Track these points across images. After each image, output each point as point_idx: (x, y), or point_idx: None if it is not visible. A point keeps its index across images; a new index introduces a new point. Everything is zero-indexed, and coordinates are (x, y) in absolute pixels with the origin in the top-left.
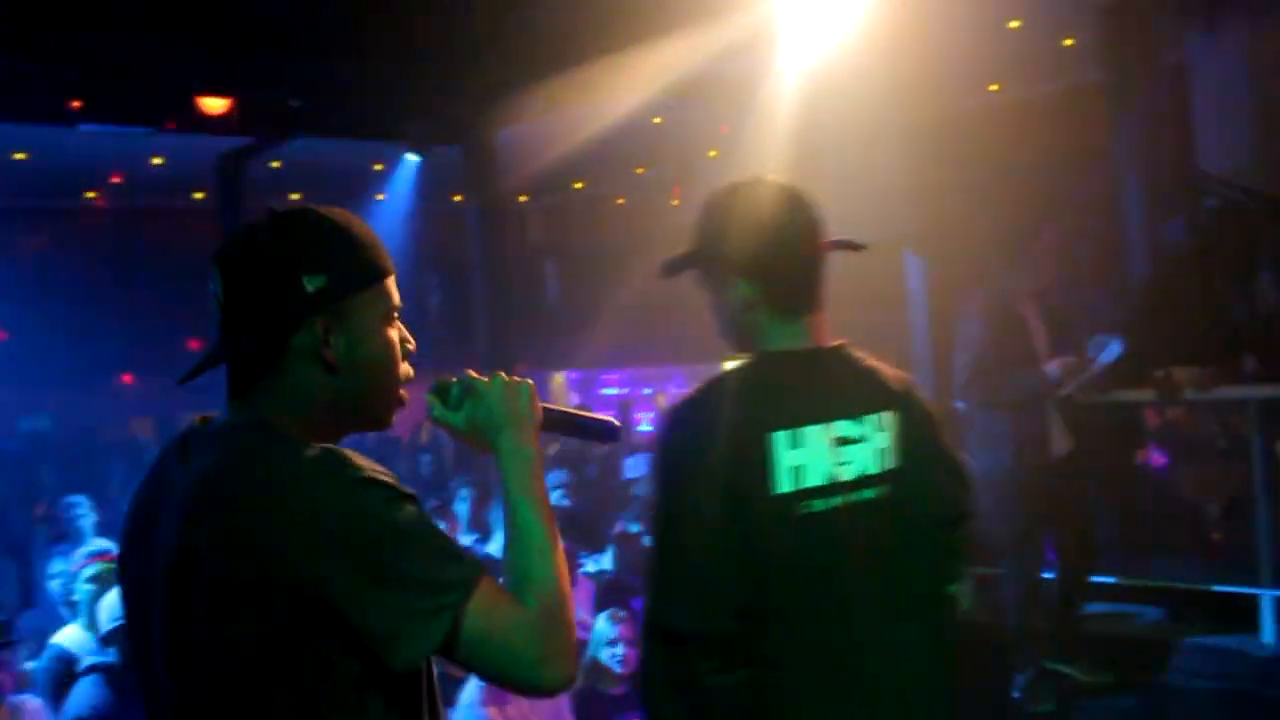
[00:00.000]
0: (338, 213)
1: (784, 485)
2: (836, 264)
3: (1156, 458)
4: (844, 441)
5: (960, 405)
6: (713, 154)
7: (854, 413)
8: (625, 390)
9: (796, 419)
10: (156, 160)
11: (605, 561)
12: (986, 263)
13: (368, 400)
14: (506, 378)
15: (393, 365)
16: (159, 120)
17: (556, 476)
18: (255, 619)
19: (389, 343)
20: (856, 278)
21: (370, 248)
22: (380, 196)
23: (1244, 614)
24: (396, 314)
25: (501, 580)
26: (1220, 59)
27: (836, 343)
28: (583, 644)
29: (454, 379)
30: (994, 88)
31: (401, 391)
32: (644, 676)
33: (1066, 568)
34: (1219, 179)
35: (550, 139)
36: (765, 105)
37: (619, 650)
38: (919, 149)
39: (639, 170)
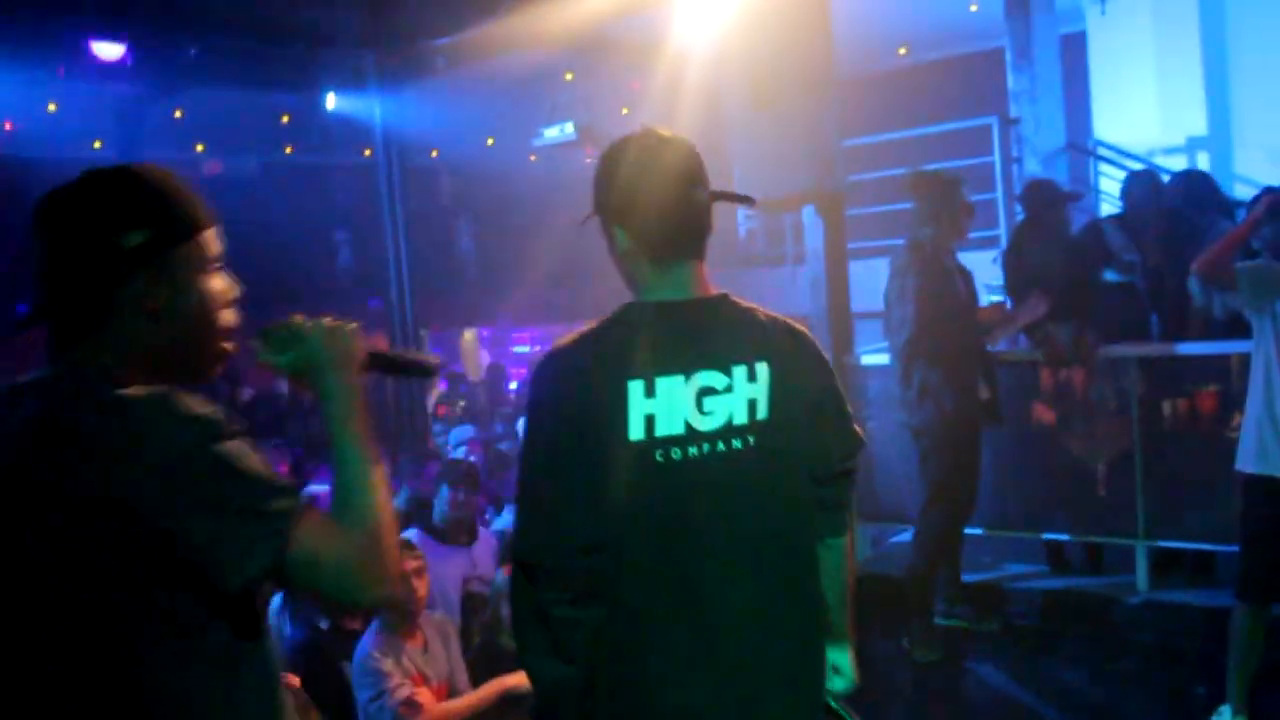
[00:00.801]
0: (153, 169)
1: (637, 433)
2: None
3: (1046, 414)
4: (708, 391)
5: (858, 359)
6: (625, 111)
7: (721, 363)
8: (537, 348)
9: (653, 368)
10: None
11: (508, 518)
12: (887, 221)
13: (191, 350)
14: (329, 321)
15: (214, 315)
16: (51, 66)
17: (462, 432)
18: (92, 556)
19: (210, 293)
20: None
21: (187, 202)
22: (289, 150)
23: (1123, 565)
24: (218, 264)
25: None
26: (1115, 30)
27: (715, 293)
28: (484, 597)
29: (280, 323)
30: (902, 51)
31: (225, 342)
32: (511, 606)
33: (960, 519)
34: (1111, 145)
35: (461, 93)
36: (674, 62)
37: None
38: (826, 108)
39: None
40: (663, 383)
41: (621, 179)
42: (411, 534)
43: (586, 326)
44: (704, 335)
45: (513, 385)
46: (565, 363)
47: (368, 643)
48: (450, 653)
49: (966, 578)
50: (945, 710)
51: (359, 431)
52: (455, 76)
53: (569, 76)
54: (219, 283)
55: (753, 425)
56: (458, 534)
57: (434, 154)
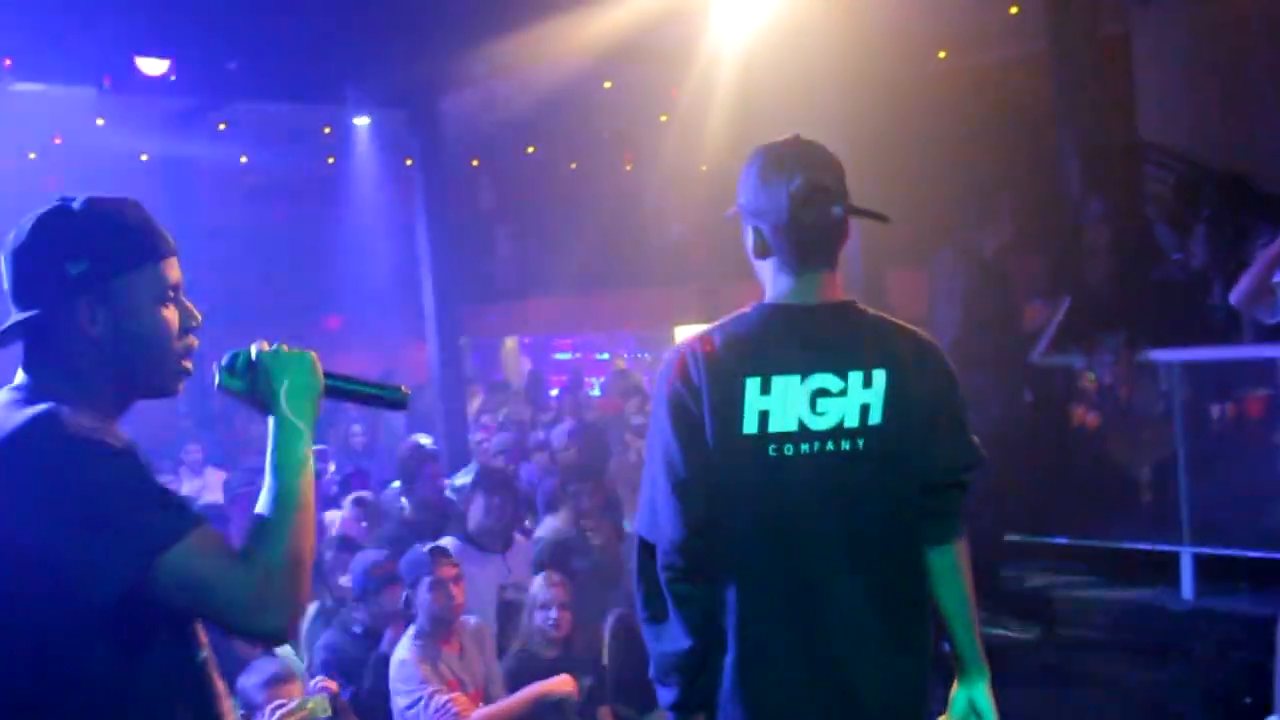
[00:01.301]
0: (107, 201)
1: (751, 426)
2: None
3: (1092, 419)
4: (822, 393)
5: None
6: (664, 118)
7: (838, 367)
8: (578, 355)
9: (770, 367)
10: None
11: (551, 524)
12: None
13: (142, 371)
14: (288, 349)
15: (164, 339)
16: (96, 80)
17: (502, 440)
18: None
19: (160, 319)
20: None
21: (137, 233)
22: (330, 160)
23: (1167, 571)
24: (173, 292)
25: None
26: (1159, 31)
27: (842, 299)
28: (519, 604)
29: (242, 350)
30: (942, 55)
31: (185, 362)
32: (636, 579)
33: (1000, 525)
34: (1159, 147)
35: (501, 102)
36: (712, 70)
37: (552, 614)
38: (866, 114)
39: (593, 134)
40: (779, 381)
41: (762, 182)
42: (448, 541)
43: (714, 324)
44: (823, 339)
45: (553, 392)
46: (686, 358)
47: (405, 648)
48: (486, 659)
49: (1009, 586)
50: None
51: (295, 463)
52: (494, 85)
53: (608, 85)
54: (170, 311)
55: (864, 429)
56: (493, 542)
57: (474, 163)
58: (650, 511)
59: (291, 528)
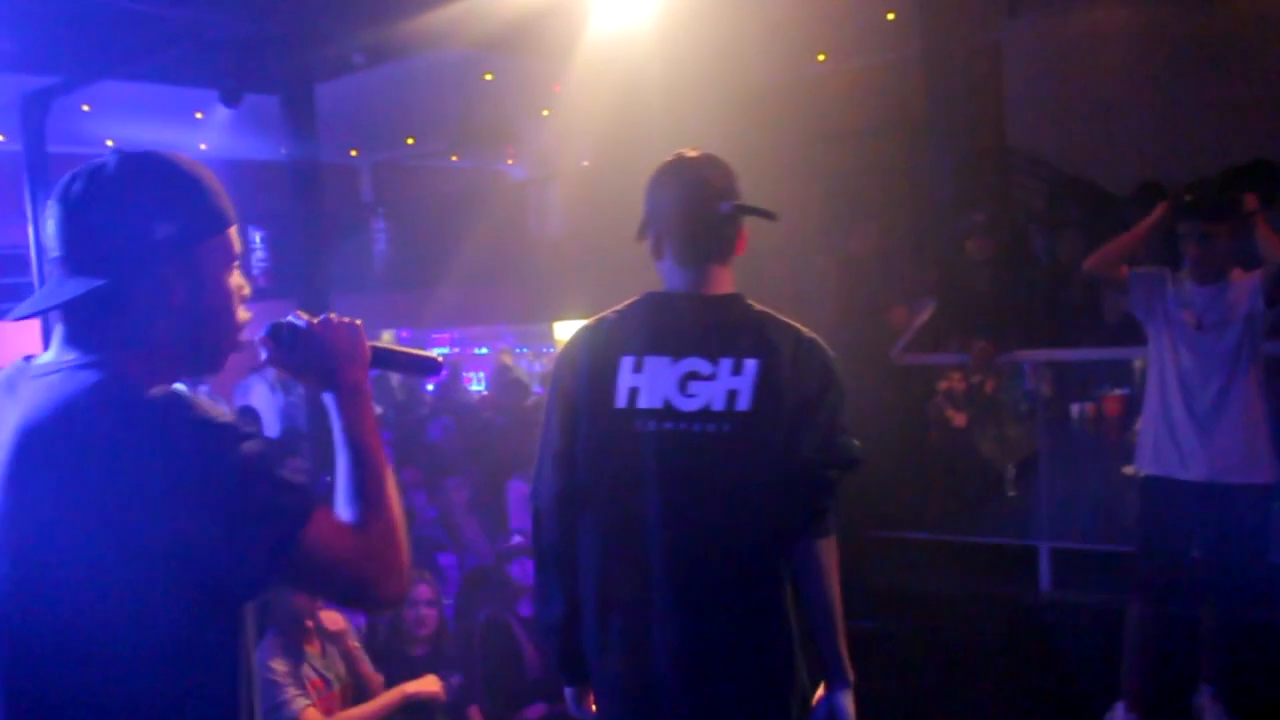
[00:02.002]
0: (188, 159)
1: (621, 402)
2: None
3: (959, 418)
4: (693, 376)
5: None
6: (546, 113)
7: (711, 352)
8: (456, 350)
9: (645, 348)
10: None
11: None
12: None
13: (205, 344)
14: (335, 318)
15: (233, 311)
16: None
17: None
18: (103, 557)
19: (229, 290)
20: None
21: (218, 196)
22: (203, 146)
23: (1027, 565)
24: (236, 262)
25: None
26: (1028, 41)
27: (728, 292)
28: None
29: (286, 322)
30: (821, 58)
31: (237, 338)
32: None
33: (867, 522)
34: (1027, 155)
35: (379, 93)
36: (594, 66)
37: (419, 611)
38: (744, 113)
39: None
40: (651, 361)
41: (656, 187)
42: None
43: (606, 310)
44: (702, 325)
45: (429, 387)
46: (575, 338)
47: (262, 652)
48: (348, 651)
49: (872, 582)
50: None
51: (367, 429)
52: (373, 76)
53: (489, 77)
54: (237, 279)
55: (730, 414)
56: None
57: (353, 153)
58: (536, 480)
59: (387, 490)
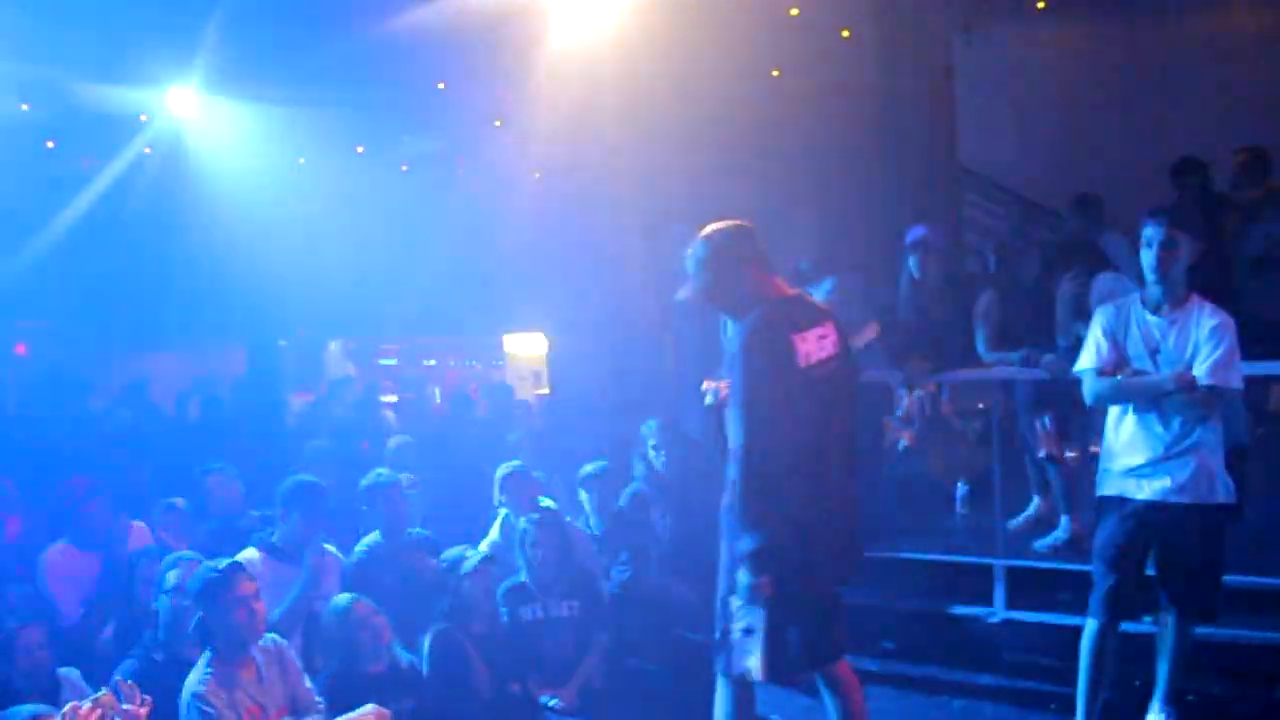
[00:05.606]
0: None
1: (800, 361)
2: None
3: (909, 437)
4: (821, 337)
5: None
6: (498, 124)
7: (820, 322)
8: (397, 362)
9: (799, 326)
10: None
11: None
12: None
13: None
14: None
15: None
16: None
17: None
18: None
19: None
20: None
21: None
22: (147, 150)
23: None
24: None
25: None
26: (980, 63)
27: (795, 292)
28: (334, 622)
29: None
30: (776, 73)
31: None
32: (739, 489)
33: None
34: (977, 175)
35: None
36: (547, 77)
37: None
38: (698, 125)
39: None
40: (805, 334)
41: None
42: (250, 554)
43: (761, 310)
44: (809, 309)
45: (390, 410)
46: (759, 324)
47: (198, 678)
48: (288, 675)
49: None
50: None
51: None
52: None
53: (441, 86)
54: None
55: (836, 355)
56: (298, 553)
57: (300, 160)
58: (751, 425)
59: None
